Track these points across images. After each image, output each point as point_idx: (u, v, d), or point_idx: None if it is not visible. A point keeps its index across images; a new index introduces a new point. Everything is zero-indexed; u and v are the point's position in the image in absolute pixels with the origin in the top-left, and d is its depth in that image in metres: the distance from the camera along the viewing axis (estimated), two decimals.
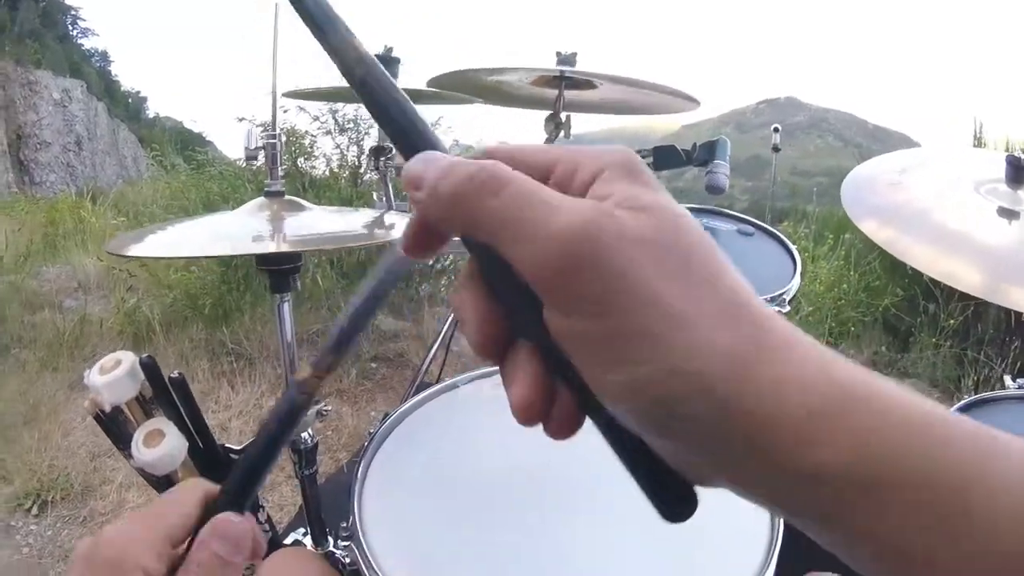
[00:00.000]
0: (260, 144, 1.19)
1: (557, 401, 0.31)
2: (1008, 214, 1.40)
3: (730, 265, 0.29)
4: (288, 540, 1.55)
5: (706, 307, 0.27)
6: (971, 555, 0.25)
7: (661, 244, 0.27)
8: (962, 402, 1.36)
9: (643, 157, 1.78)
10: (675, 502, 0.31)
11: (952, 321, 4.00)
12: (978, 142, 4.90)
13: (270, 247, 1.13)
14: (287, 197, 1.21)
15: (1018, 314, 3.37)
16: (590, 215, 0.27)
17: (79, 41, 27.73)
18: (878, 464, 0.26)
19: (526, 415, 0.30)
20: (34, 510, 2.57)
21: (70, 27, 27.03)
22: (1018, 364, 3.55)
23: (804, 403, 0.26)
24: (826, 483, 0.26)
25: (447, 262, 4.89)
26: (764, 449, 0.26)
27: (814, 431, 0.26)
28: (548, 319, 0.29)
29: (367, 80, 0.36)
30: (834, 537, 0.28)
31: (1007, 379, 1.61)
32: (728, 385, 0.26)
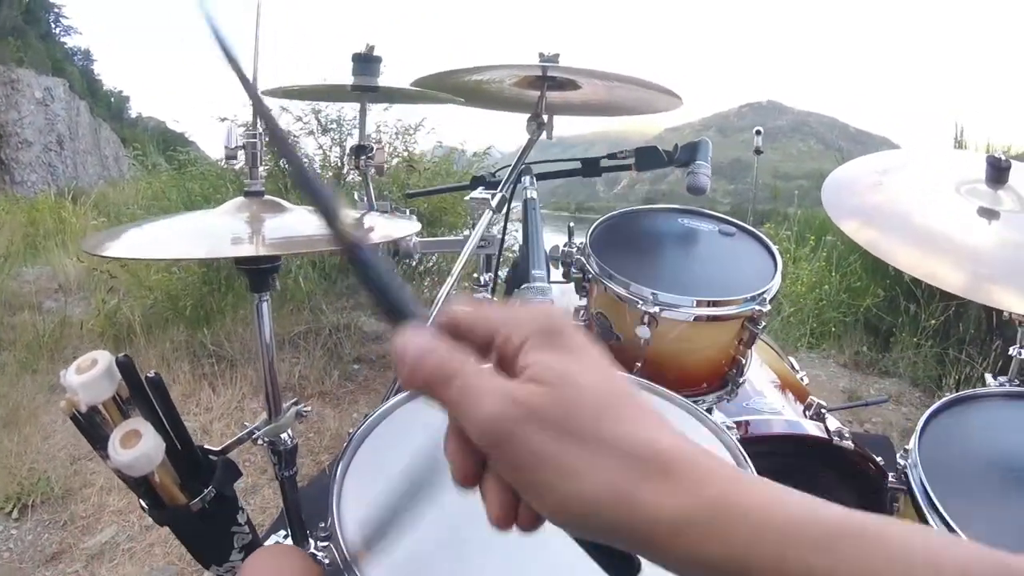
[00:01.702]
0: (240, 143, 1.18)
1: (520, 510, 0.41)
2: (988, 214, 1.41)
3: (631, 416, 0.39)
4: (269, 542, 1.55)
5: (594, 459, 0.37)
6: None
7: (559, 418, 0.37)
8: (944, 399, 1.37)
9: (625, 158, 1.80)
10: (618, 569, 0.41)
11: (933, 321, 4.04)
12: (959, 144, 4.95)
13: (248, 250, 1.12)
14: (267, 197, 1.20)
15: (999, 313, 3.40)
16: (503, 407, 0.38)
17: (62, 39, 27.55)
18: (742, 563, 0.35)
19: (498, 525, 0.41)
20: (14, 514, 2.54)
21: (52, 25, 26.84)
22: (999, 363, 3.58)
23: (676, 519, 0.36)
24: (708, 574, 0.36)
25: (430, 263, 4.88)
26: (651, 551, 0.37)
27: (688, 539, 0.35)
28: (491, 466, 0.40)
29: (357, 257, 0.45)
30: None
31: (988, 377, 1.62)
32: (611, 511, 0.36)
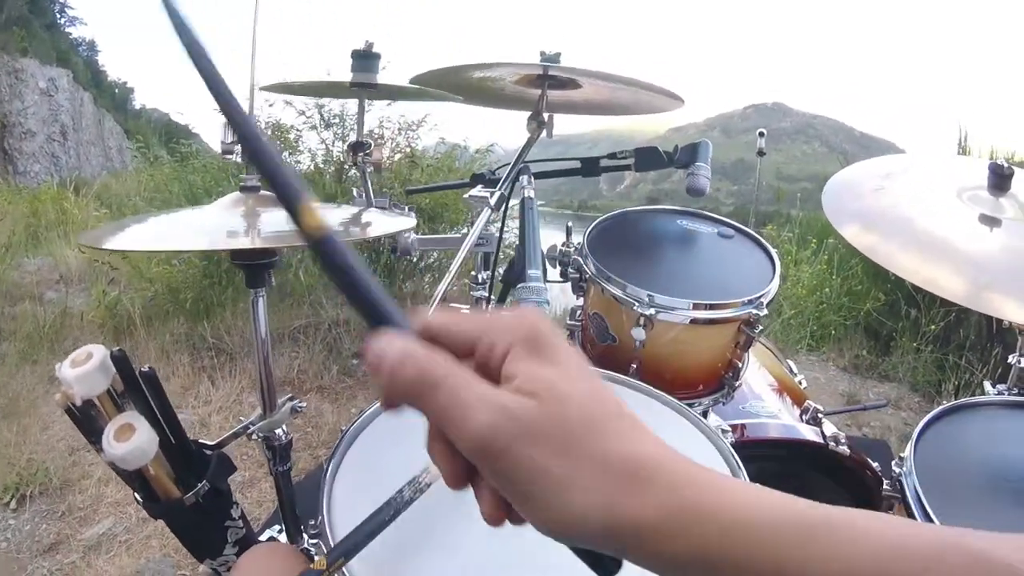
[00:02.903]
0: (236, 138, 1.18)
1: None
2: (990, 221, 1.40)
3: (619, 429, 0.40)
4: (263, 536, 1.55)
5: (581, 473, 0.37)
6: None
7: (548, 431, 0.38)
8: (941, 407, 1.36)
9: (625, 159, 1.79)
10: (602, 568, 0.42)
11: (933, 326, 4.03)
12: (963, 150, 4.94)
13: (244, 243, 1.11)
14: (263, 192, 1.19)
15: (999, 320, 3.40)
16: (492, 420, 0.37)
17: (66, 30, 27.55)
18: (712, 561, 0.37)
19: (491, 522, 0.42)
20: (12, 504, 2.55)
21: (57, 16, 26.83)
22: (999, 370, 3.57)
23: (654, 524, 0.37)
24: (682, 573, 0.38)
25: (431, 260, 4.88)
26: (634, 555, 0.38)
27: (663, 542, 0.37)
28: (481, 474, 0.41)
29: (324, 251, 0.42)
30: None
31: (987, 384, 1.62)
32: (597, 522, 0.37)
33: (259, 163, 0.44)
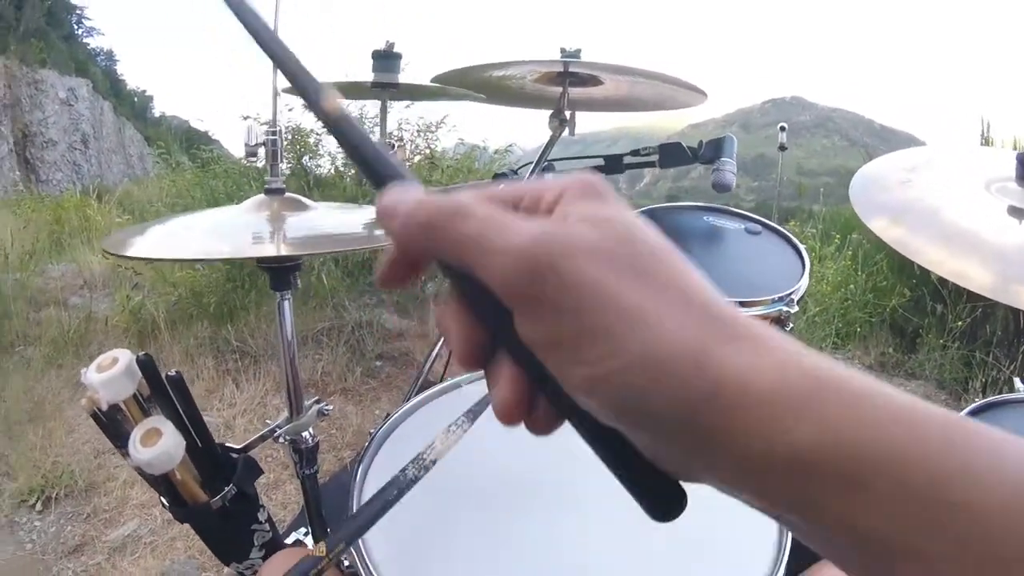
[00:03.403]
0: (260, 140, 1.17)
1: (537, 403, 0.33)
2: (1018, 213, 1.37)
3: (692, 269, 0.31)
4: (289, 539, 1.55)
5: (663, 304, 0.29)
6: (955, 548, 0.25)
7: (616, 251, 0.30)
8: (971, 406, 1.34)
9: (649, 155, 1.78)
10: (661, 500, 0.32)
11: (960, 322, 3.98)
12: (985, 141, 4.88)
13: (269, 250, 1.11)
14: (288, 195, 1.19)
15: None
16: (545, 228, 0.30)
17: (84, 40, 27.87)
18: (849, 451, 0.26)
19: (506, 418, 0.33)
20: (38, 506, 2.58)
21: (75, 26, 27.16)
22: None
23: (769, 389, 0.27)
24: (797, 471, 0.26)
25: None
26: (731, 435, 0.27)
27: (780, 417, 0.27)
28: (518, 327, 0.31)
29: (340, 123, 0.40)
30: (812, 529, 0.28)
31: (1016, 381, 1.59)
32: (689, 372, 0.27)
33: (279, 61, 0.43)
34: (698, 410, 0.27)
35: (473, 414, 0.94)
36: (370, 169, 0.38)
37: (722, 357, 0.28)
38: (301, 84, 0.42)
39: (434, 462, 0.86)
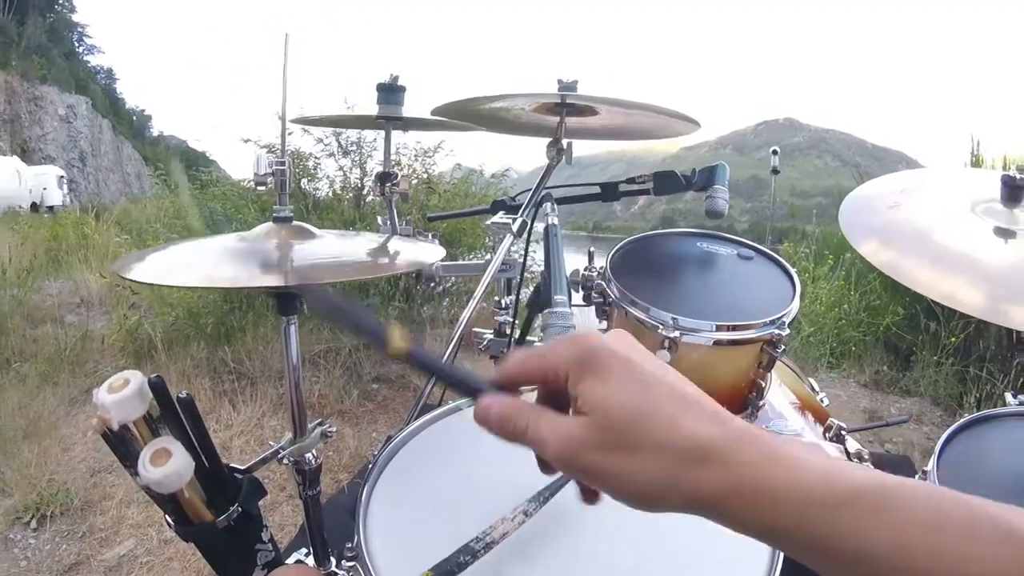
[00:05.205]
0: (270, 170, 1.20)
1: None
2: (1004, 233, 1.40)
3: (666, 415, 0.46)
4: (290, 560, 1.56)
5: (641, 461, 0.45)
6: None
7: (602, 439, 0.46)
8: (963, 420, 1.36)
9: (643, 183, 1.81)
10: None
11: (953, 339, 4.01)
12: (975, 159, 4.93)
13: (279, 280, 1.14)
14: (295, 223, 1.22)
15: (1019, 332, 3.37)
16: (562, 445, 0.48)
17: (85, 58, 28.00)
18: (768, 525, 0.43)
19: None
20: (33, 524, 2.57)
21: (77, 44, 27.29)
22: (1020, 380, 3.55)
23: (718, 496, 0.44)
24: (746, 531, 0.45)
25: (449, 284, 4.90)
26: (707, 515, 0.45)
27: (729, 509, 0.44)
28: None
29: (417, 357, 0.56)
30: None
31: (1008, 396, 1.61)
32: (667, 496, 0.46)
33: (342, 319, 0.61)
34: (696, 512, 0.46)
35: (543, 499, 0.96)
36: (461, 387, 0.57)
37: (685, 482, 0.45)
38: (368, 337, 0.57)
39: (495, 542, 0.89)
